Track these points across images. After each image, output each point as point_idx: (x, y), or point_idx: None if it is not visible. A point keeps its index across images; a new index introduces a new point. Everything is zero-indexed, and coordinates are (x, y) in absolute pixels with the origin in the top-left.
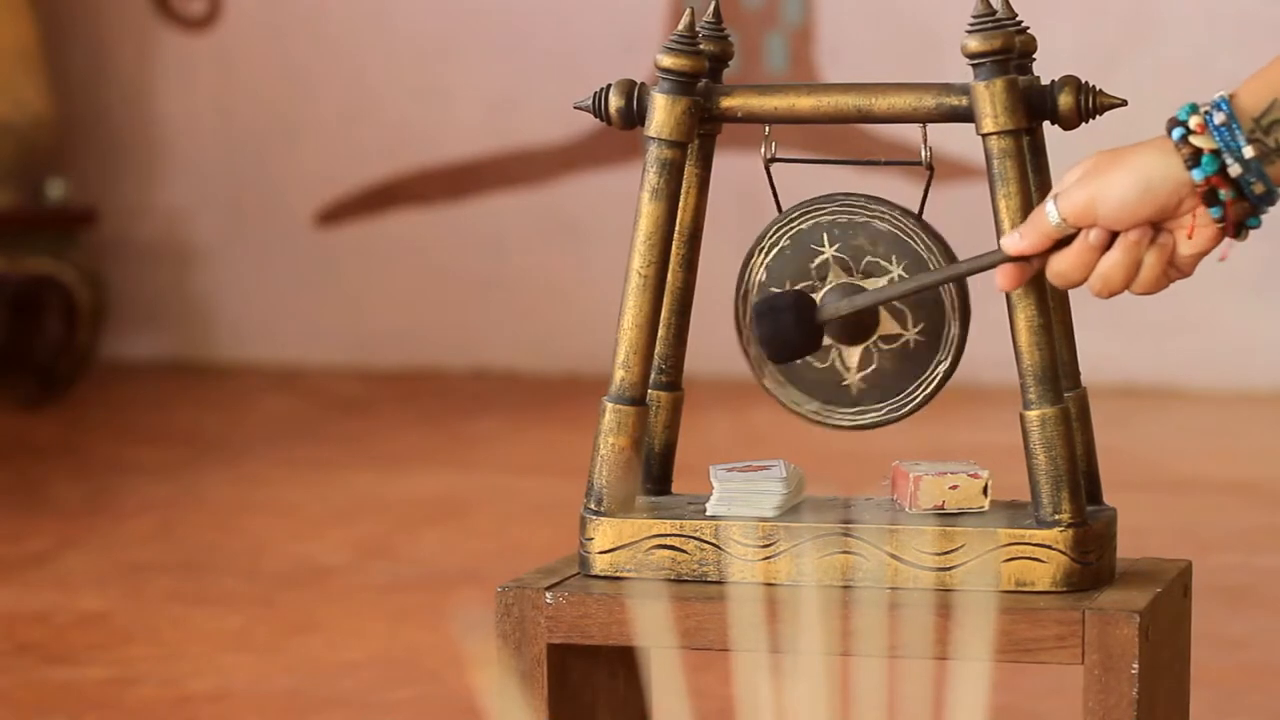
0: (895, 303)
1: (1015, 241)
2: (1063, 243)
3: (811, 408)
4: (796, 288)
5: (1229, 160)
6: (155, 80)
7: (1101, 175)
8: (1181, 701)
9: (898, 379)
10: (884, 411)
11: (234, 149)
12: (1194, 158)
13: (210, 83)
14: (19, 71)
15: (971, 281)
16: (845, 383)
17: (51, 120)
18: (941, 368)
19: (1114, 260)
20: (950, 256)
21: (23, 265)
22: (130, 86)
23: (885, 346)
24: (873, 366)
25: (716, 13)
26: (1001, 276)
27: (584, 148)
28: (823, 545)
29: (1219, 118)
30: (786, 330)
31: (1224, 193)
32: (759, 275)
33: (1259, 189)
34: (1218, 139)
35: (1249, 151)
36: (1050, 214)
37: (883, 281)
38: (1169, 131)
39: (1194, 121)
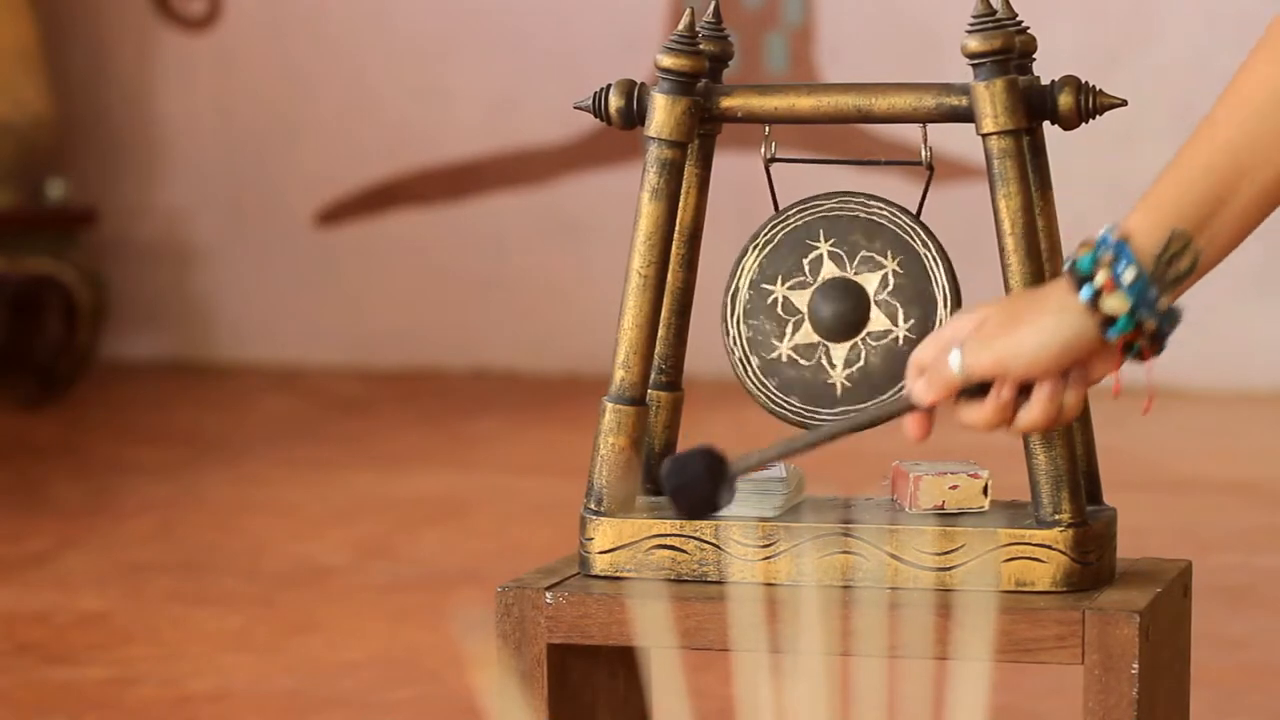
0: (886, 298)
1: (921, 394)
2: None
3: (794, 408)
4: (707, 445)
5: (1144, 315)
6: (155, 80)
7: (1009, 333)
8: (1181, 701)
9: (884, 379)
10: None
11: (234, 149)
12: (1108, 321)
13: (210, 83)
14: (19, 71)
15: (964, 280)
16: (830, 381)
17: (51, 120)
18: None
19: (1035, 413)
20: (944, 256)
21: (23, 265)
22: (130, 86)
23: (874, 343)
24: (860, 364)
25: (716, 13)
26: (911, 427)
27: (584, 148)
28: (823, 545)
29: (1127, 275)
30: (700, 487)
31: (1140, 342)
32: (751, 274)
33: (1170, 328)
34: (1130, 298)
35: (1163, 303)
36: (954, 366)
37: (875, 280)
38: (1076, 287)
39: (1100, 278)
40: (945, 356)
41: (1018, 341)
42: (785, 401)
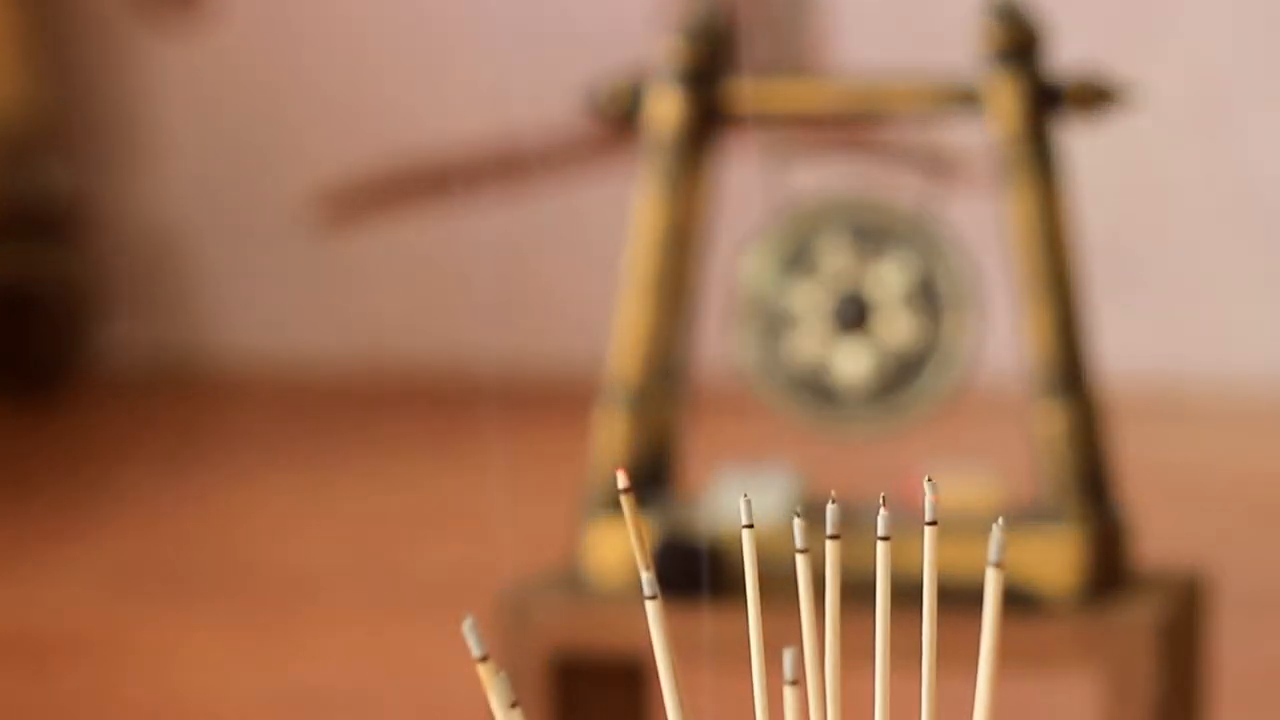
0: (899, 301)
1: None
2: None
3: (810, 416)
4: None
5: None
6: (152, 78)
7: None
8: (1197, 713)
9: (902, 384)
10: (886, 420)
11: (232, 148)
12: None
13: (209, 81)
14: (11, 68)
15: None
16: (846, 385)
17: (45, 118)
18: (948, 371)
19: None
20: (958, 255)
21: (15, 264)
22: (126, 84)
23: (889, 347)
24: (876, 367)
25: (721, 6)
26: None
27: (584, 147)
28: (825, 548)
29: None
30: (680, 577)
31: None
32: (757, 275)
33: None
34: None
35: None
36: None
37: (886, 282)
38: None
39: None
40: None
41: None
42: (801, 405)
